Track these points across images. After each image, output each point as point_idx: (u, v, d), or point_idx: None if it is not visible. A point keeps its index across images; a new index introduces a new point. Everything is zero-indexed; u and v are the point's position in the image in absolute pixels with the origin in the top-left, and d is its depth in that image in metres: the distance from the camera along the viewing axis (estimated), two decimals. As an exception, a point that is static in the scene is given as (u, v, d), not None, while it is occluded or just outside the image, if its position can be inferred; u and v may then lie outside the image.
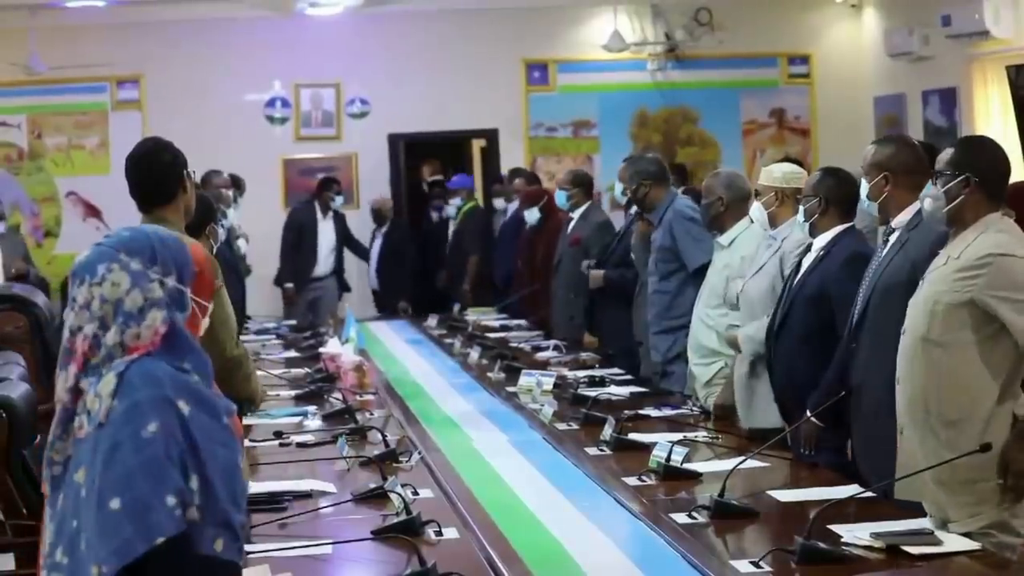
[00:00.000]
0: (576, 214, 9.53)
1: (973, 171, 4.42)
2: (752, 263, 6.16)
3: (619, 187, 8.61)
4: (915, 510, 4.50)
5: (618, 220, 9.93)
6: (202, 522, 2.84)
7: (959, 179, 4.42)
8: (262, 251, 12.58)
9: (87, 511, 2.81)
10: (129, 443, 2.80)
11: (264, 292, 12.81)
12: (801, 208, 5.65)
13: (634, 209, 8.46)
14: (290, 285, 12.92)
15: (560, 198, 9.72)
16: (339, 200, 13.10)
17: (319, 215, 12.98)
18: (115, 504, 2.76)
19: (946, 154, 4.54)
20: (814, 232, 5.59)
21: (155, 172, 4.75)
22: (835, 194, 5.57)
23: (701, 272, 7.18)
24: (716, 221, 6.65)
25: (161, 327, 2.91)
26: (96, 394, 2.85)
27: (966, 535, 4.18)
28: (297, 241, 12.97)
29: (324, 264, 13.03)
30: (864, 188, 5.08)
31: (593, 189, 10.02)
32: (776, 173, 6.16)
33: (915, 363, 4.45)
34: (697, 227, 7.36)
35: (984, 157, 4.50)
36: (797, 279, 5.59)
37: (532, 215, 10.49)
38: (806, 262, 5.59)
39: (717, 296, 6.40)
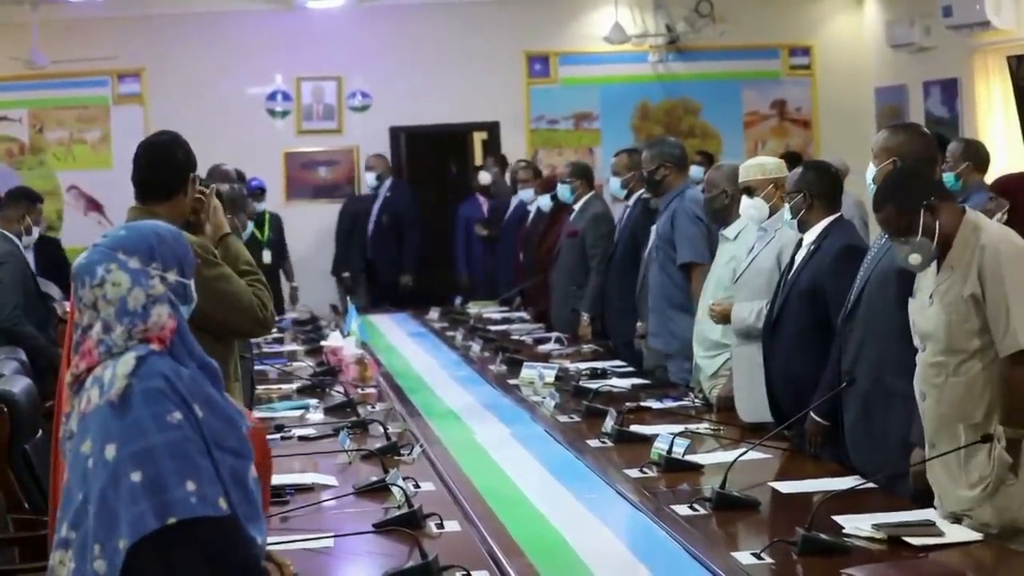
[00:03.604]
0: (577, 206, 9.53)
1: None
2: (747, 255, 6.18)
3: (616, 181, 8.63)
4: (916, 501, 4.51)
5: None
6: None
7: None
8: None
9: (95, 483, 2.83)
10: (152, 422, 2.82)
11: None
12: (787, 205, 5.67)
13: (632, 200, 8.46)
14: (347, 274, 13.18)
15: (564, 192, 9.69)
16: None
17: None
18: (136, 477, 2.80)
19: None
20: (803, 227, 5.61)
21: (161, 165, 4.57)
22: (818, 187, 5.59)
23: (685, 268, 7.24)
24: (721, 214, 6.66)
25: (169, 321, 2.93)
26: (113, 372, 2.87)
27: (974, 528, 4.19)
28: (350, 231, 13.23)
29: None
30: (871, 171, 5.06)
31: (594, 180, 10.00)
32: (769, 165, 6.20)
33: (938, 379, 4.44)
34: (696, 228, 7.37)
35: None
36: (791, 274, 5.60)
37: (544, 201, 10.43)
38: (798, 257, 5.61)
39: (723, 289, 6.41)
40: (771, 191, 6.08)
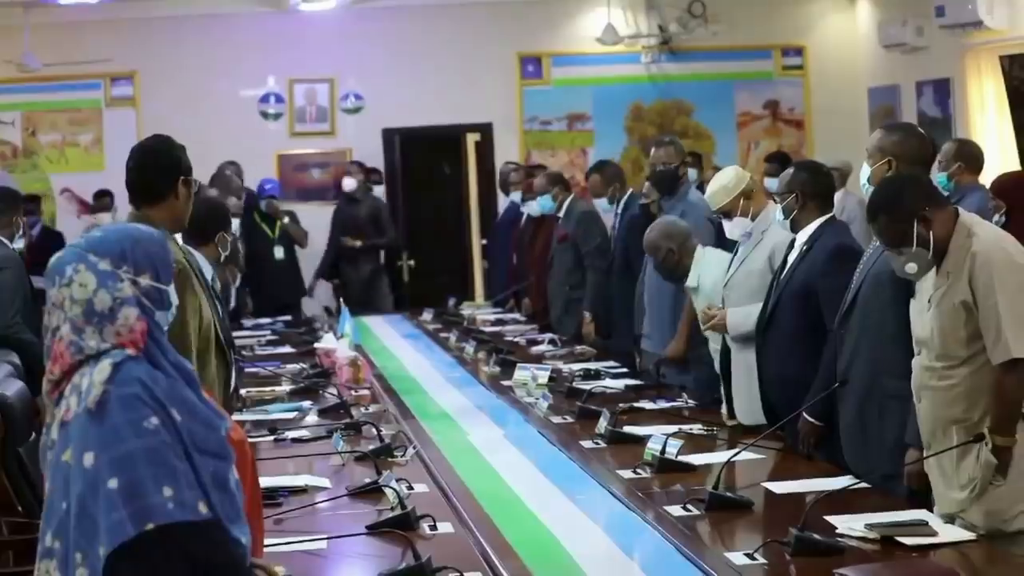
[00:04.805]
0: (561, 211, 9.55)
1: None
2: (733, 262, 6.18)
3: (601, 202, 8.71)
4: (910, 501, 4.51)
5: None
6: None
7: None
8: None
9: (75, 491, 2.82)
10: (129, 428, 2.81)
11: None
12: (779, 206, 5.67)
13: (623, 201, 8.47)
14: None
15: (545, 203, 9.75)
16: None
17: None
18: (113, 484, 2.78)
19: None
20: (796, 228, 5.61)
21: (150, 168, 4.58)
22: (810, 188, 5.59)
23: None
24: (676, 270, 6.70)
25: (138, 323, 2.89)
26: (90, 380, 2.85)
27: (968, 528, 4.19)
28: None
29: None
30: (866, 171, 5.06)
31: (569, 182, 10.09)
32: (729, 182, 6.12)
33: (932, 381, 4.45)
34: (705, 226, 7.37)
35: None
36: (783, 275, 5.60)
37: (535, 208, 10.40)
38: (791, 258, 5.61)
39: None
40: (744, 205, 6.08)
